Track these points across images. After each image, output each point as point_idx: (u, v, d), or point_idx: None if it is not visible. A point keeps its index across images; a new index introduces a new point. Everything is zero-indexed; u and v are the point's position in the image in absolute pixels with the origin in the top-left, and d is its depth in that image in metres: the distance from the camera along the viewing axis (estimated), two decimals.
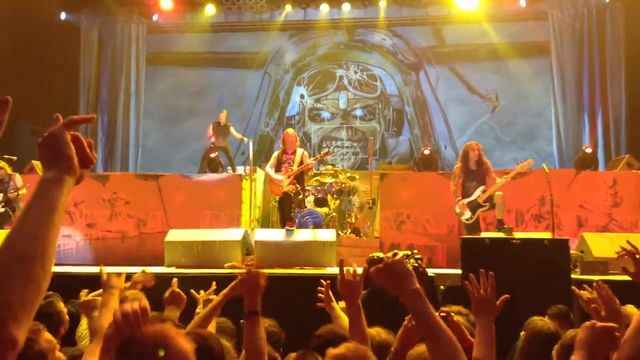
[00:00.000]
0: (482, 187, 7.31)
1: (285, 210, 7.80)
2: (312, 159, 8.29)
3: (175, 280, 3.17)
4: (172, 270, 6.45)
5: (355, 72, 14.19)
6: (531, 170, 7.88)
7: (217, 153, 10.68)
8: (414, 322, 2.11)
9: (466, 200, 7.35)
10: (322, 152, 8.75)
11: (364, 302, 2.43)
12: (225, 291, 2.73)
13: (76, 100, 13.49)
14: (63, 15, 13.29)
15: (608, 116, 12.23)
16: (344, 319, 2.69)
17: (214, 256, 6.62)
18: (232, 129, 11.07)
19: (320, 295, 2.85)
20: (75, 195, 8.88)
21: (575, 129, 12.59)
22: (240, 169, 10.88)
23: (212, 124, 11.00)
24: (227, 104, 13.08)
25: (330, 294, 2.83)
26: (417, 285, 1.69)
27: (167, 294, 3.09)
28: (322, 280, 2.91)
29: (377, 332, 2.60)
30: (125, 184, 9.04)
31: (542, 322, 2.96)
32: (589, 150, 10.96)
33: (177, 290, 3.09)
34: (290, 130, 8.42)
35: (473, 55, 13.44)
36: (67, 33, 13.25)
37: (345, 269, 2.38)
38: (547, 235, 6.65)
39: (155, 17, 13.71)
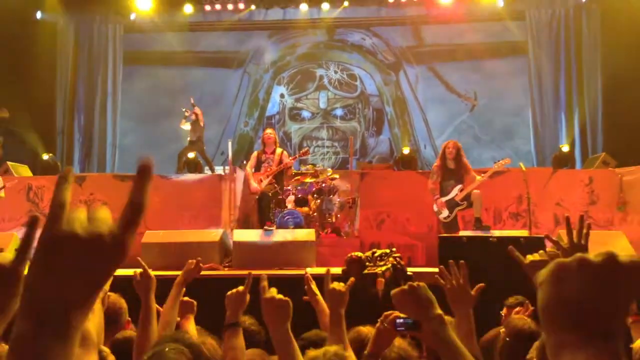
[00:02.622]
0: (459, 186, 7.35)
1: (264, 210, 7.76)
2: (290, 158, 8.27)
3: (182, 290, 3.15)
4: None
5: (335, 72, 14.20)
6: (508, 168, 7.94)
7: (195, 153, 10.60)
8: (386, 324, 2.11)
9: (444, 199, 7.39)
10: (300, 151, 8.75)
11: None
12: (179, 279, 2.78)
13: (52, 100, 13.30)
14: (39, 14, 13.10)
15: (584, 115, 12.40)
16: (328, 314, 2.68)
17: (192, 258, 6.53)
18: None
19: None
20: (51, 197, 8.75)
21: (553, 127, 12.74)
22: (219, 169, 10.81)
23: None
24: (206, 103, 13.00)
25: (314, 287, 2.80)
26: (439, 310, 1.68)
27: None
28: (307, 271, 2.89)
29: (368, 331, 2.60)
30: (102, 185, 8.91)
31: (522, 321, 2.97)
32: (565, 149, 11.11)
33: (185, 298, 3.07)
34: (269, 130, 8.44)
35: (452, 55, 13.54)
36: (43, 32, 13.05)
37: (335, 284, 2.37)
38: (524, 233, 6.70)
39: (132, 17, 13.57)
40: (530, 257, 2.09)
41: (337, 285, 2.34)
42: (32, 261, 0.69)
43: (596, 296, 0.71)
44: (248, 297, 2.43)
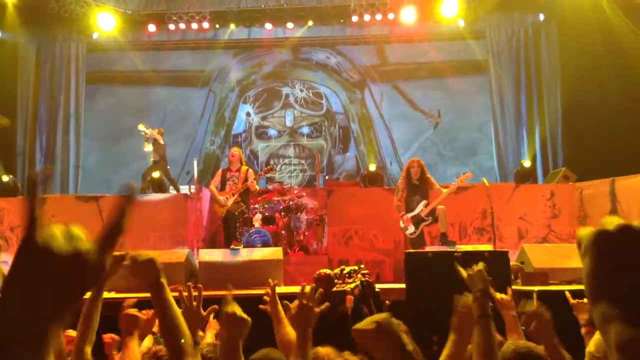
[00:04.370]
0: (424, 202, 7.43)
1: (230, 229, 7.70)
2: (255, 175, 8.25)
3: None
4: (113, 295, 6.24)
5: (301, 90, 14.26)
6: (472, 184, 8.07)
7: (159, 172, 10.46)
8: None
9: (409, 215, 7.45)
10: (265, 168, 8.73)
11: None
12: None
13: (13, 120, 12.99)
14: None
15: (545, 131, 12.67)
16: (287, 326, 2.64)
17: None
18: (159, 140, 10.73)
19: (265, 297, 2.79)
20: (12, 219, 8.56)
21: (514, 143, 13.01)
22: (185, 189, 10.70)
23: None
24: (171, 122, 12.91)
25: (277, 297, 2.77)
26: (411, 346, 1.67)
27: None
28: (270, 280, 2.86)
29: (326, 352, 2.57)
30: (65, 207, 8.73)
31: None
32: (527, 164, 11.33)
33: (131, 311, 2.97)
34: (234, 148, 8.41)
35: (415, 74, 13.75)
36: (4, 51, 12.81)
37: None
38: (488, 247, 6.79)
39: (95, 36, 13.42)
40: (469, 271, 2.20)
41: (306, 300, 2.28)
42: (9, 273, 0.68)
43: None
44: (204, 314, 2.36)
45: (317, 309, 2.25)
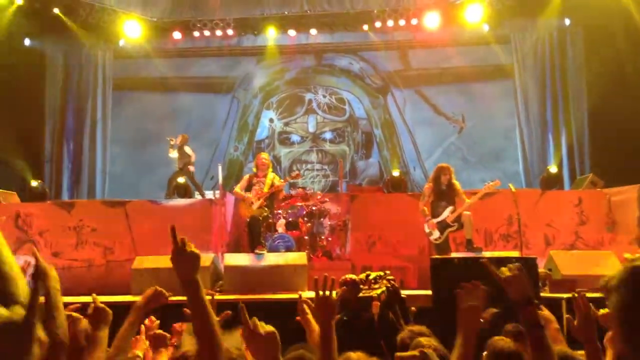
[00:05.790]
0: (451, 208, 7.38)
1: (254, 234, 7.74)
2: (281, 181, 8.30)
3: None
4: (139, 299, 6.31)
5: (324, 96, 14.29)
6: (498, 190, 7.97)
7: (185, 177, 10.58)
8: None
9: (435, 220, 7.41)
10: (291, 174, 8.76)
11: (339, 328, 2.37)
12: (139, 303, 2.61)
13: (42, 127, 13.25)
14: (27, 42, 13.10)
15: (571, 136, 12.50)
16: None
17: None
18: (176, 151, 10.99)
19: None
20: (40, 224, 8.69)
21: (540, 149, 12.84)
22: (209, 194, 10.78)
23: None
24: (195, 128, 13.02)
25: (306, 307, 2.78)
26: None
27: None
28: (300, 294, 2.88)
29: (357, 357, 2.56)
30: (92, 211, 8.85)
31: (502, 341, 2.96)
32: (553, 170, 11.18)
33: (158, 331, 3.03)
34: (264, 155, 8.51)
35: (439, 79, 13.68)
36: (32, 59, 13.04)
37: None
38: (515, 254, 6.72)
39: (121, 43, 13.61)
40: (505, 272, 2.08)
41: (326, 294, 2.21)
42: None
43: None
44: (218, 319, 2.34)
45: (334, 296, 2.19)
